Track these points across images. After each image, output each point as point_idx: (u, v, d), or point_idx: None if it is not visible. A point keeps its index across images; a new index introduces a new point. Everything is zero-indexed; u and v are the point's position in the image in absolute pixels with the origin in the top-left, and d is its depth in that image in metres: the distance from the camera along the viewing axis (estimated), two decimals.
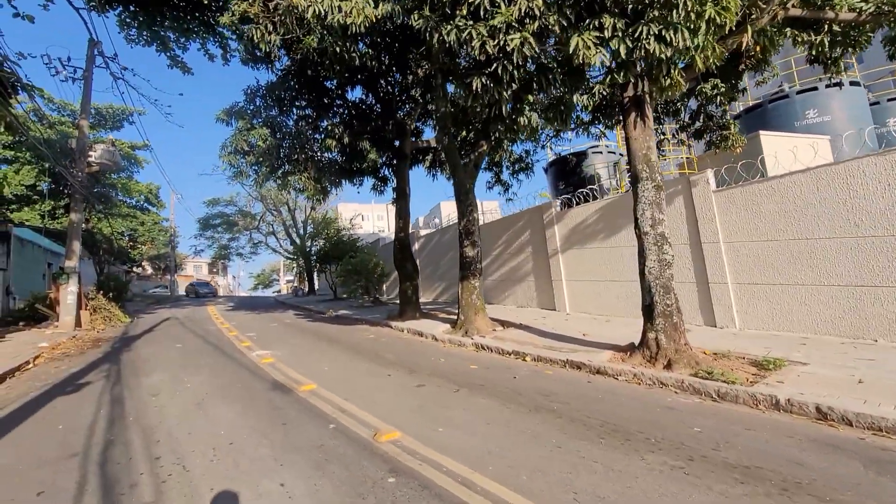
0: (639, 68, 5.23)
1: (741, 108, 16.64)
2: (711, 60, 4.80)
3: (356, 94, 19.40)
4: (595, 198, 12.67)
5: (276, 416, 4.38)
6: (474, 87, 5.34)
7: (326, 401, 4.79)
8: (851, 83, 14.35)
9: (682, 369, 5.00)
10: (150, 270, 53.51)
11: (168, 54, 13.61)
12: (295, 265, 46.06)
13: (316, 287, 28.63)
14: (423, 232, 18.61)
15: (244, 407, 4.69)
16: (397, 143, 11.64)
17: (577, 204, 10.75)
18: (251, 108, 10.95)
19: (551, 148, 13.86)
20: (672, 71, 4.98)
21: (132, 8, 12.28)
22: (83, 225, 14.19)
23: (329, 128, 10.03)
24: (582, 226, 10.55)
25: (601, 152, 16.20)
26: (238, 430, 4.01)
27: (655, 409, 4.17)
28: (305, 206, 30.01)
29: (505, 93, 5.46)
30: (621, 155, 16.88)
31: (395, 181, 11.91)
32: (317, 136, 11.01)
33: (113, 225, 28.27)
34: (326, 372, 6.23)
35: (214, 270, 68.65)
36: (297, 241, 29.31)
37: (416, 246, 18.20)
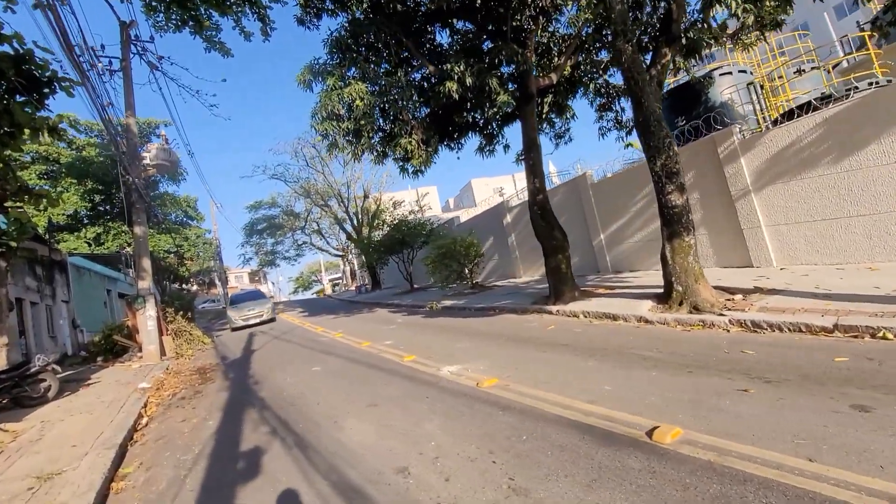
0: None
1: None
2: None
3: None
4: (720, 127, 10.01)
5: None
6: None
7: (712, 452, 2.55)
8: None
9: None
10: (195, 287, 53.19)
11: (204, 35, 11.43)
12: (342, 262, 44.56)
13: (381, 281, 26.75)
14: (513, 202, 16.20)
15: (597, 485, 2.50)
16: (513, 85, 9.20)
17: (776, 125, 8.12)
18: (333, 60, 8.70)
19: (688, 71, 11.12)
20: None
21: None
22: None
23: (449, 68, 7.64)
24: (791, 151, 7.95)
25: (730, 72, 13.33)
26: None
27: None
28: (355, 196, 27.96)
29: None
30: (742, 72, 14.00)
31: (521, 129, 9.50)
32: (424, 84, 8.68)
33: (159, 242, 27.03)
34: (608, 391, 3.99)
35: (257, 279, 68.32)
36: (353, 233, 27.33)
37: (507, 219, 15.85)
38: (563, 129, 11.29)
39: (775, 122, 8.36)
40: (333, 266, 66.43)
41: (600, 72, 9.92)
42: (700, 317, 6.06)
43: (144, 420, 5.80)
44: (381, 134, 9.25)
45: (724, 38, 7.97)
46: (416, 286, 20.66)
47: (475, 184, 72.84)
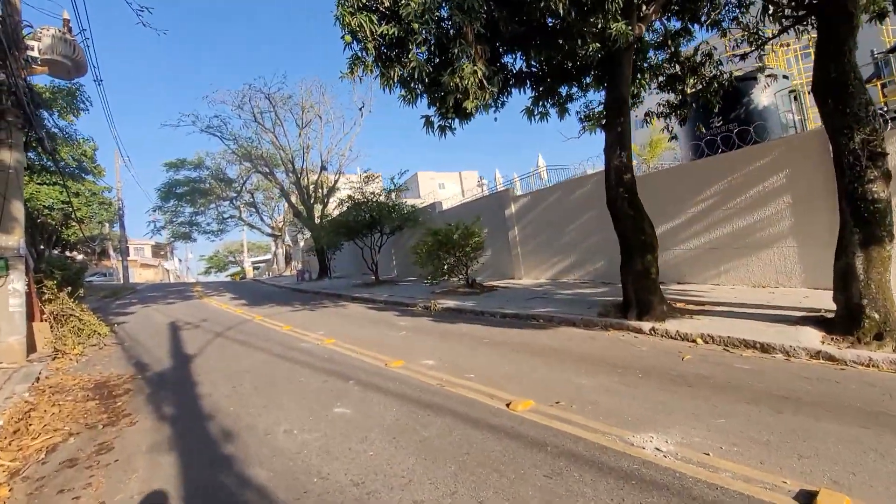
0: None
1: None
2: None
3: None
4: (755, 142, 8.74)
5: None
6: None
7: None
8: None
9: None
10: (79, 256, 44.07)
11: None
12: (275, 244, 39.43)
13: (330, 268, 22.98)
14: (519, 191, 13.89)
15: None
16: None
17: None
18: None
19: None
20: None
21: None
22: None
23: None
24: None
25: (774, 75, 12.22)
26: None
27: None
28: (307, 169, 23.79)
29: None
30: (785, 77, 13.07)
31: (609, 84, 7.15)
32: None
33: (38, 195, 20.83)
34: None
35: (162, 253, 59.25)
36: (303, 210, 23.17)
37: (510, 210, 13.52)
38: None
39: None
40: (259, 247, 59.84)
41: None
42: None
43: None
44: (427, 54, 6.38)
45: None
46: (381, 278, 17.60)
47: (421, 177, 70.32)
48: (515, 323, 7.79)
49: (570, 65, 7.86)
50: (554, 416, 3.61)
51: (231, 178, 27.42)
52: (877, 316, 4.81)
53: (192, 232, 33.03)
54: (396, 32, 5.78)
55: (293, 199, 24.80)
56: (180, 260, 75.30)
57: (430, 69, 6.15)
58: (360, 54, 6.10)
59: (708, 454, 2.85)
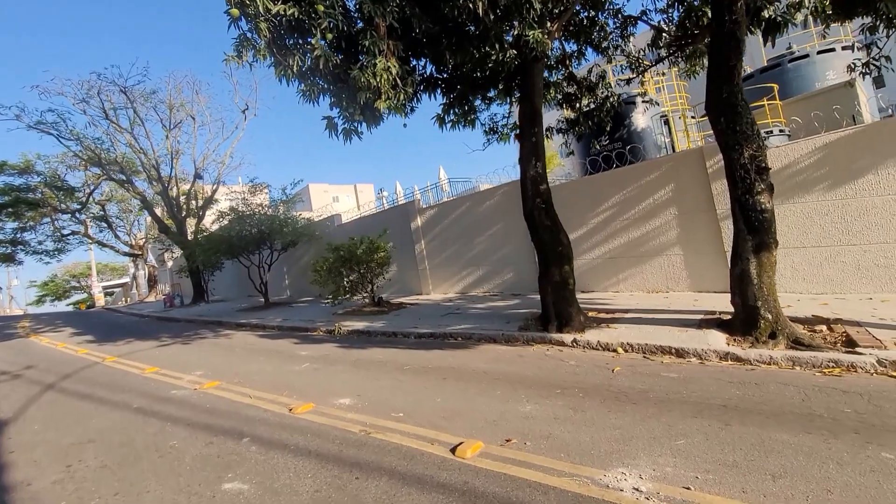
0: None
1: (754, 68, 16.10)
2: None
3: None
4: (630, 162, 9.95)
5: None
6: None
7: None
8: (843, 48, 14.70)
9: None
10: None
11: None
12: (134, 265, 33.54)
13: (208, 291, 19.88)
14: (423, 202, 13.44)
15: None
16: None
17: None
18: None
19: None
20: None
21: None
22: None
23: None
24: (791, 171, 7.62)
25: (651, 101, 13.68)
26: None
27: None
28: (177, 178, 20.47)
29: None
30: (656, 103, 14.75)
31: (521, 94, 7.04)
32: None
33: None
34: None
35: None
36: (173, 224, 19.68)
37: (416, 222, 13.03)
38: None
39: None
40: (113, 270, 50.75)
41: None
42: (825, 356, 4.57)
43: None
44: (332, 46, 5.59)
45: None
46: (272, 300, 15.72)
47: (313, 189, 66.73)
48: (433, 343, 7.22)
49: (479, 73, 7.69)
50: (510, 459, 3.08)
51: (73, 187, 22.55)
52: (769, 316, 5.24)
53: (15, 252, 26.48)
54: (296, 14, 4.92)
55: (159, 211, 21.21)
56: (2, 287, 60.50)
57: (338, 61, 5.37)
58: (248, 35, 5.09)
59: (689, 488, 2.56)
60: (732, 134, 5.46)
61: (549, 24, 6.87)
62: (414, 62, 7.42)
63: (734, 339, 5.40)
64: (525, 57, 6.16)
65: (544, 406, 3.99)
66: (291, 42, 5.42)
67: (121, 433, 4.31)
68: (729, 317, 5.99)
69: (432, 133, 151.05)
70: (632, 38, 9.48)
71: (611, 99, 9.51)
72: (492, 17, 5.61)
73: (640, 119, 13.34)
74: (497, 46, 5.88)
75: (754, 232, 5.38)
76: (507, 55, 6.02)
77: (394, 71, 5.46)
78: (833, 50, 14.55)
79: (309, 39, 5.48)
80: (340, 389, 5.00)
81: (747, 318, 5.41)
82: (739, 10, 5.12)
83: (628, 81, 11.05)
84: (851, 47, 14.74)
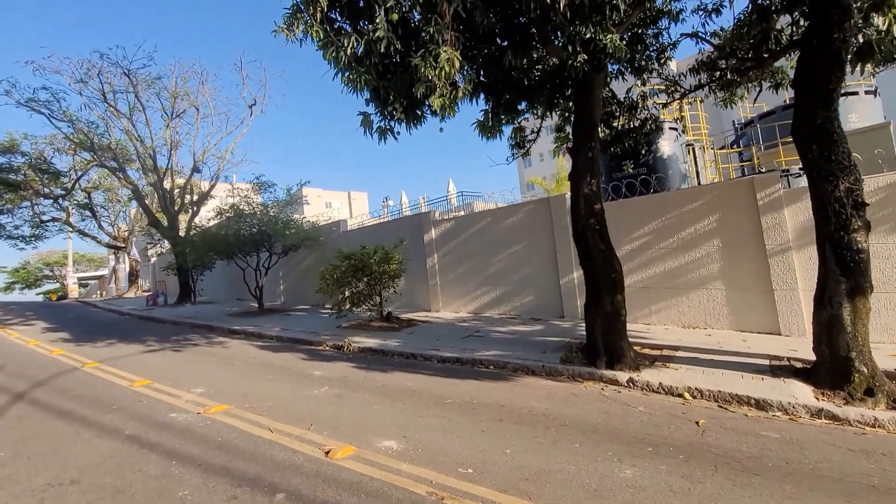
0: None
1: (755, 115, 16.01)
2: None
3: None
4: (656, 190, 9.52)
5: None
6: None
7: None
8: (866, 92, 14.76)
9: None
10: None
11: None
12: (115, 257, 31.93)
13: (195, 291, 18.69)
14: (439, 215, 12.76)
15: None
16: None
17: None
18: None
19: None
20: None
21: None
22: None
23: None
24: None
25: (676, 128, 13.37)
26: None
27: None
28: (173, 169, 19.46)
29: None
30: (681, 131, 14.42)
31: (579, 107, 6.47)
32: None
33: None
34: None
35: None
36: (164, 217, 18.55)
37: (430, 234, 12.35)
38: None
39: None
40: (90, 261, 48.66)
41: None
42: None
43: None
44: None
45: None
46: (266, 306, 14.74)
47: (306, 192, 65.59)
48: (463, 371, 6.47)
49: (528, 80, 7.14)
50: None
51: (60, 171, 21.28)
52: (865, 370, 4.66)
53: None
54: None
55: (151, 203, 20.09)
56: None
57: (399, 46, 4.72)
58: (301, 7, 4.41)
59: None
60: (826, 164, 4.95)
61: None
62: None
63: (822, 394, 4.80)
64: (599, 62, 5.60)
65: (646, 471, 3.29)
66: (345, 21, 4.76)
67: (112, 473, 3.45)
68: (804, 365, 5.42)
69: (427, 147, 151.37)
70: (671, 62, 9.11)
71: (650, 121, 9.06)
72: (568, 15, 5.07)
73: (666, 146, 12.99)
74: (570, 49, 5.31)
75: (849, 273, 4.83)
76: (578, 59, 5.44)
77: (457, 64, 4.85)
78: (856, 94, 14.53)
79: (363, 24, 4.85)
80: (379, 426, 4.22)
81: (836, 369, 4.82)
82: (852, 28, 4.65)
83: (665, 105, 10.67)
84: (874, 91, 14.82)
